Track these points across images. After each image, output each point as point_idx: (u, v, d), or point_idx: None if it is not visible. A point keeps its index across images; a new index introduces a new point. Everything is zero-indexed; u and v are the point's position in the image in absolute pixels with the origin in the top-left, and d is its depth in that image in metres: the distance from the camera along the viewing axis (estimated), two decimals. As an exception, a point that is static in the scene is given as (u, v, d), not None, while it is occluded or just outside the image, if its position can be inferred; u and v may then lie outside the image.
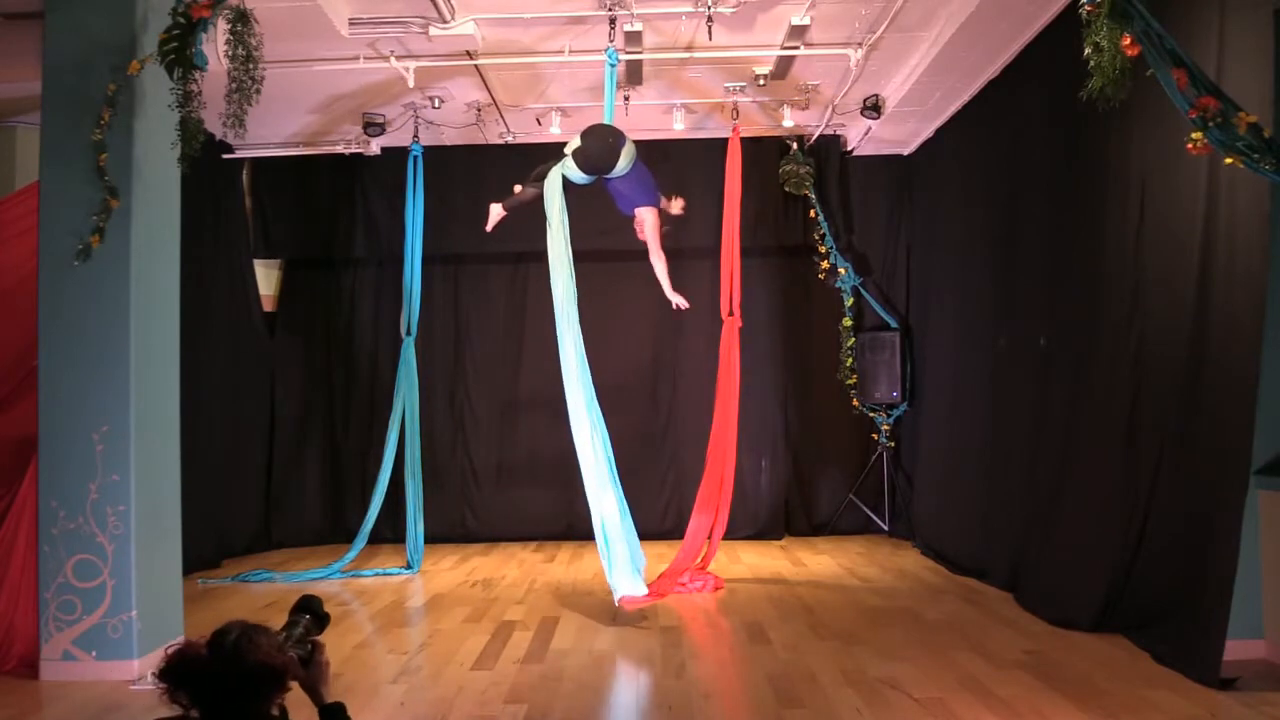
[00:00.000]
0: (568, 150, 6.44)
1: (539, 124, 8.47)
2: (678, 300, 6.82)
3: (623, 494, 6.32)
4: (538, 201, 6.56)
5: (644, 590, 6.14)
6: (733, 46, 7.05)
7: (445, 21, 6.47)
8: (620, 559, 6.10)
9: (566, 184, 6.45)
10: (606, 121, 6.68)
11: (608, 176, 6.51)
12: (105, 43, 5.16)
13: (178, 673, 2.07)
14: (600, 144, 6.39)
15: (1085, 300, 5.82)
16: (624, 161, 6.40)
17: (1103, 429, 5.56)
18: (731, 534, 8.19)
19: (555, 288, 6.49)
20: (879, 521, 9.32)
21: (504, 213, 6.86)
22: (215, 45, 5.13)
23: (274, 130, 8.37)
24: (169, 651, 2.08)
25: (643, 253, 6.82)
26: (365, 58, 6.98)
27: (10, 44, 5.93)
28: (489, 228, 6.94)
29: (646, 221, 6.64)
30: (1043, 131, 6.39)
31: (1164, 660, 4.72)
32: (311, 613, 2.41)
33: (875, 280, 9.50)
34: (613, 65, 6.62)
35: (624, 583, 6.05)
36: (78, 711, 4.51)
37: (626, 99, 7.03)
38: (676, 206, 6.90)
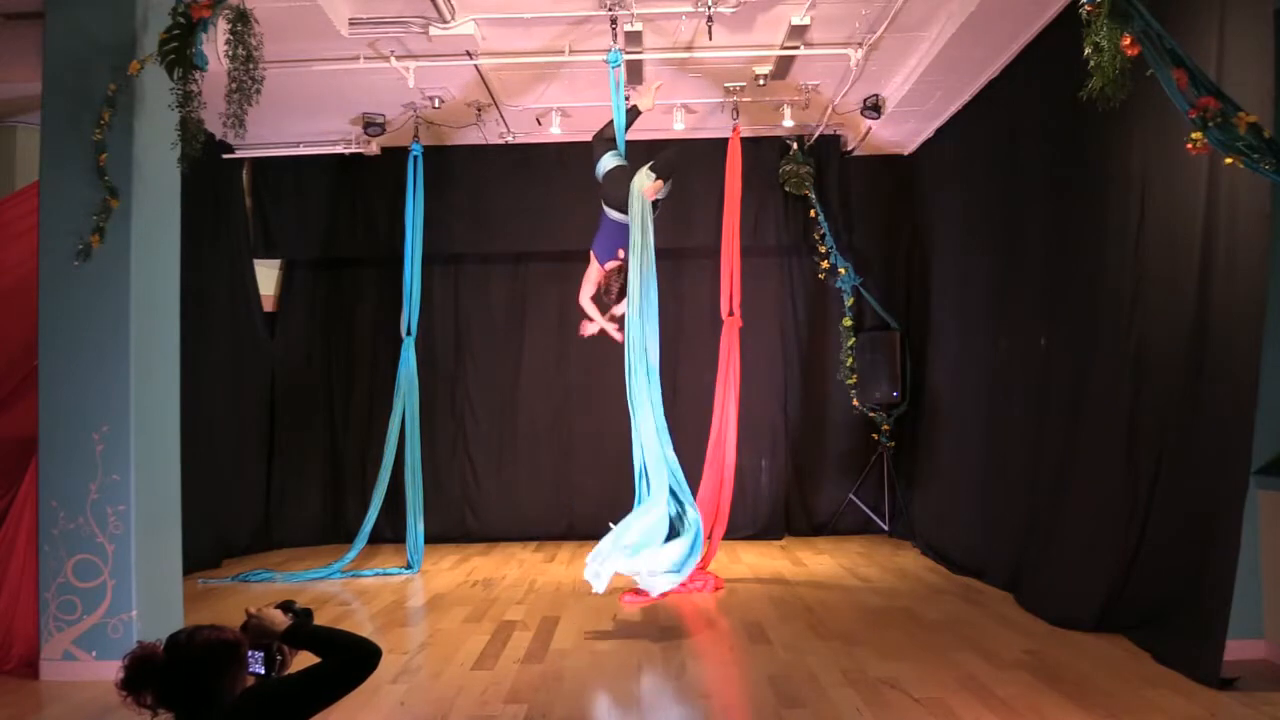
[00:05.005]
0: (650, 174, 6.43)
1: (539, 124, 8.47)
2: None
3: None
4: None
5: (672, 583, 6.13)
6: (733, 46, 7.05)
7: (445, 21, 6.47)
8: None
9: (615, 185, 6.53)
10: (616, 123, 6.68)
11: (613, 214, 6.57)
12: (105, 43, 5.16)
13: (139, 677, 2.10)
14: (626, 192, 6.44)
15: (1085, 300, 5.82)
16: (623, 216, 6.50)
17: (1103, 429, 5.55)
18: (731, 534, 8.19)
19: (629, 308, 6.39)
20: (879, 521, 9.32)
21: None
22: (215, 45, 5.13)
23: (274, 130, 8.37)
24: (125, 662, 2.11)
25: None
26: (365, 58, 6.97)
27: (10, 44, 5.94)
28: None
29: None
30: (1043, 132, 6.39)
31: (1164, 660, 4.72)
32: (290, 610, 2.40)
33: (875, 280, 9.49)
34: (616, 66, 6.59)
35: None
36: (78, 711, 4.51)
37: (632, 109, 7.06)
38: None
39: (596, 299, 6.85)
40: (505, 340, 9.67)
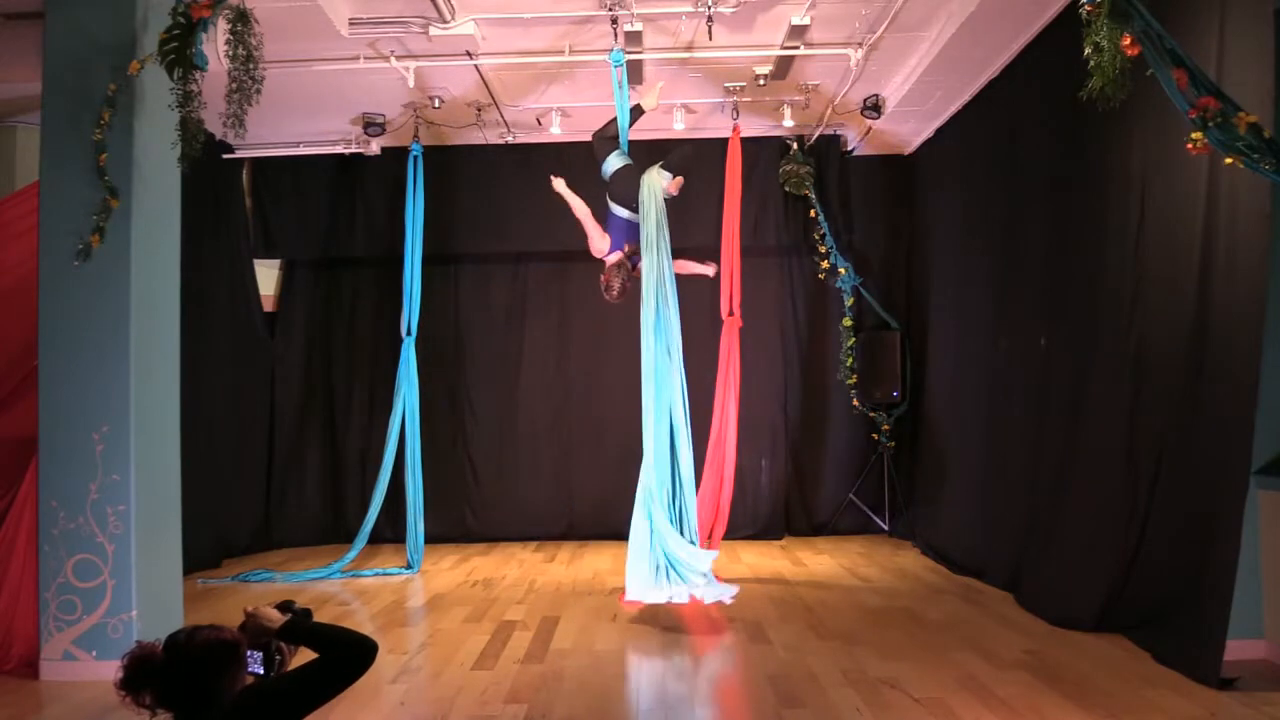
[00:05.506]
0: (659, 171, 6.49)
1: (539, 124, 8.47)
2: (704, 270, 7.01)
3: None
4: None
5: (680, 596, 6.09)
6: (733, 46, 7.05)
7: (445, 21, 6.47)
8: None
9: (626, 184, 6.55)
10: (620, 122, 6.68)
11: (621, 211, 6.60)
12: (105, 43, 5.16)
13: (138, 677, 2.10)
14: (635, 188, 6.47)
15: (1085, 300, 5.82)
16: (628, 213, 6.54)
17: (1103, 429, 5.56)
18: (731, 534, 8.19)
19: (645, 308, 6.34)
20: (879, 521, 9.32)
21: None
22: (215, 45, 5.13)
23: (274, 130, 8.36)
24: (124, 662, 2.10)
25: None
26: (365, 58, 6.97)
27: (10, 44, 5.94)
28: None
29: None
30: (1043, 131, 6.39)
31: (1165, 660, 4.73)
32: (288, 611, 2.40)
33: (875, 280, 9.49)
34: (619, 66, 6.58)
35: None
36: (78, 711, 4.52)
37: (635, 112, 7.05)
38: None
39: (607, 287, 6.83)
40: (505, 340, 9.67)
